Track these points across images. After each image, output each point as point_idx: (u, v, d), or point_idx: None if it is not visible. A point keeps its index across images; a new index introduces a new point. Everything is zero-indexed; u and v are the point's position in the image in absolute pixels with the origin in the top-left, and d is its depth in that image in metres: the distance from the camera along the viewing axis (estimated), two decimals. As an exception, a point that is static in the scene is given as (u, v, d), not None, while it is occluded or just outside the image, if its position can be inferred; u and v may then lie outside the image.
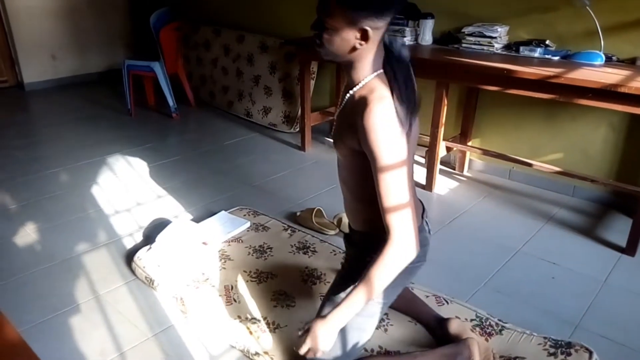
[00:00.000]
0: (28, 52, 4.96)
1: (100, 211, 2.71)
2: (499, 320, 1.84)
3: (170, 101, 4.21)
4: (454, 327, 1.70)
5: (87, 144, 3.67)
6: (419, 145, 3.34)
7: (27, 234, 2.47)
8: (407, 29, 3.06)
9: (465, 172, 3.23)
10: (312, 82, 3.67)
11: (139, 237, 2.45)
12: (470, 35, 2.83)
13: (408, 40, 3.07)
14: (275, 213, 2.62)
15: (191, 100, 4.56)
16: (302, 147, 3.58)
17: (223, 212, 2.52)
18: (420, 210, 1.52)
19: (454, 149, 3.11)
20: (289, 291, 1.97)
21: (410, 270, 1.37)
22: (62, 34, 5.16)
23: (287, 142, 3.75)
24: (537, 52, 2.64)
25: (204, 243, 2.25)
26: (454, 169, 3.26)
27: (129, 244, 2.39)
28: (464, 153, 3.18)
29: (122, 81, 4.28)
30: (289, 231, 2.37)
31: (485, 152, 3.00)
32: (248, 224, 2.42)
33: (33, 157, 3.40)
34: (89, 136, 3.85)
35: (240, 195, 2.88)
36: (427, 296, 1.95)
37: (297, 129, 3.83)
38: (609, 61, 2.49)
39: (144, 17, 4.33)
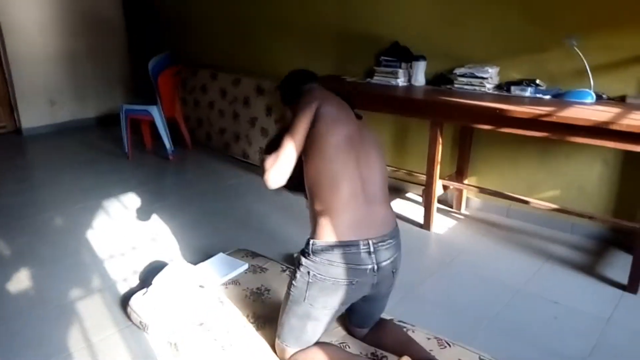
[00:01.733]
0: (27, 97, 5.02)
1: (95, 255, 2.67)
2: (503, 362, 1.79)
3: (167, 144, 4.25)
4: None
5: (83, 188, 3.66)
6: (415, 183, 3.36)
7: (21, 280, 2.43)
8: (400, 70, 3.13)
9: (462, 211, 3.23)
10: (308, 123, 3.70)
11: (134, 281, 2.41)
12: (462, 76, 2.89)
13: (401, 81, 3.14)
14: (274, 254, 2.59)
15: (188, 142, 4.59)
16: (299, 188, 3.58)
17: (221, 254, 2.49)
18: (356, 211, 1.60)
19: (451, 187, 3.12)
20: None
21: (341, 288, 1.56)
22: (60, 79, 5.24)
23: (284, 183, 3.76)
24: (528, 92, 2.70)
25: (200, 286, 2.21)
26: (451, 207, 3.26)
27: (123, 288, 2.35)
28: (460, 191, 3.19)
29: (119, 125, 4.32)
30: (287, 272, 2.34)
31: (482, 190, 3.01)
32: (246, 266, 2.39)
33: (29, 201, 3.39)
34: (86, 180, 3.85)
35: (238, 237, 2.86)
36: (429, 338, 1.91)
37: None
38: (600, 99, 2.54)
39: (142, 62, 4.42)
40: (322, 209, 1.60)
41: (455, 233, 2.95)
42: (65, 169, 4.15)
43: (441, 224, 3.03)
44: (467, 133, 3.06)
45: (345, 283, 1.57)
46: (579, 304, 2.23)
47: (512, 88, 2.75)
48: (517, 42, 2.83)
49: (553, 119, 2.28)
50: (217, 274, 2.31)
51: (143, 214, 3.22)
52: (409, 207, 3.29)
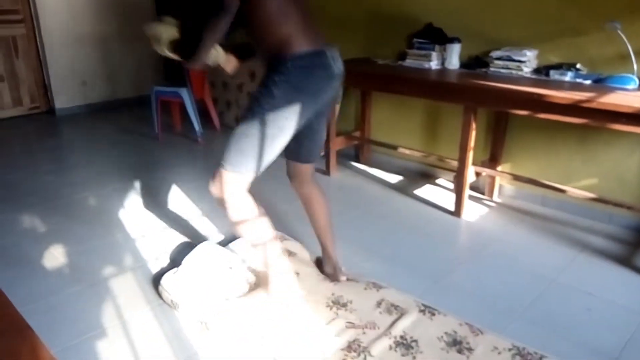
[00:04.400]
0: (60, 78, 5.13)
1: (128, 235, 2.72)
2: (537, 350, 1.76)
3: (197, 126, 4.27)
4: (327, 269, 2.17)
5: (115, 169, 3.73)
6: (446, 169, 3.30)
7: (56, 257, 2.49)
8: (434, 53, 3.06)
9: (495, 198, 3.16)
10: (337, 107, 3.67)
11: (165, 261, 2.45)
12: (499, 59, 2.81)
13: (435, 64, 3.07)
14: (301, 239, 2.59)
15: (216, 124, 4.62)
16: (326, 172, 3.57)
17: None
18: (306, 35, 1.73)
19: (483, 174, 3.05)
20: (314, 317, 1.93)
21: (316, 92, 1.74)
22: (93, 61, 5.33)
23: (312, 167, 3.75)
24: (568, 76, 2.60)
25: (230, 267, 2.23)
26: (484, 195, 3.20)
27: (155, 268, 2.39)
28: (493, 178, 3.12)
29: (149, 107, 4.37)
30: (314, 258, 2.34)
31: (516, 178, 2.94)
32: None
33: (63, 182, 3.47)
34: (118, 161, 3.92)
35: (265, 220, 2.87)
36: (461, 324, 1.88)
37: (322, 153, 3.82)
38: (644, 85, 2.43)
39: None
40: (280, 37, 1.70)
41: (487, 221, 2.89)
42: (98, 149, 4.23)
43: (473, 211, 2.98)
44: (501, 118, 2.98)
45: (320, 86, 1.75)
46: (615, 297, 2.17)
47: (551, 72, 2.66)
48: (556, 25, 2.72)
49: (593, 105, 2.20)
50: (246, 256, 2.32)
51: (173, 195, 3.26)
52: (439, 194, 3.24)
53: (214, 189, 1.84)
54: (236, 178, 1.77)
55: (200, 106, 4.38)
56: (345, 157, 3.83)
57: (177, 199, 3.19)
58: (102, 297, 2.16)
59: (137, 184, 3.42)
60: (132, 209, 3.06)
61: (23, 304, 2.08)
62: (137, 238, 2.69)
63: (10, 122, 4.93)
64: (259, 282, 2.12)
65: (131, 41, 5.55)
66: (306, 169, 2.07)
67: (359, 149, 3.83)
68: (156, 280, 2.24)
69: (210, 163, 4.01)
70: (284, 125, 1.73)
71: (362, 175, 3.60)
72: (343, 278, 2.18)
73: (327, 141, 3.50)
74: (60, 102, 5.19)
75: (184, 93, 4.19)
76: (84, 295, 2.18)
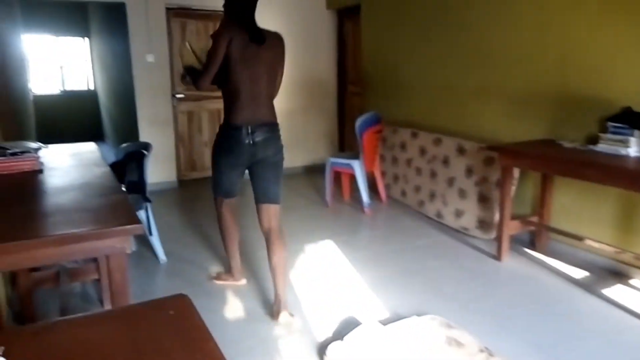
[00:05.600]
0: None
1: (296, 297, 2.87)
2: None
3: (365, 197, 4.43)
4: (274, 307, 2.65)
5: (288, 231, 4.00)
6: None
7: (231, 313, 2.73)
8: (633, 139, 2.76)
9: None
10: (513, 189, 3.49)
11: (330, 330, 2.51)
12: None
13: (634, 151, 2.76)
14: (469, 328, 2.43)
15: (383, 197, 4.73)
16: (497, 257, 3.36)
17: (415, 317, 2.44)
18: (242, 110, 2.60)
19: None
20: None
21: (233, 151, 2.62)
22: (278, 132, 5.98)
23: (480, 249, 3.57)
24: None
25: (390, 347, 2.18)
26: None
27: (320, 335, 2.46)
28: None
29: (322, 174, 4.67)
30: (485, 354, 2.17)
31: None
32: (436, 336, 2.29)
33: (244, 240, 3.83)
34: (291, 223, 4.22)
35: (429, 301, 2.78)
36: None
37: (493, 236, 3.63)
38: None
39: (348, 120, 4.75)
40: (226, 105, 2.65)
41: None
42: (274, 211, 4.62)
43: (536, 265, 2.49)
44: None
45: (234, 149, 2.60)
46: None
47: None
48: None
49: None
50: (408, 339, 2.26)
51: (338, 263, 3.37)
52: (635, 297, 2.79)
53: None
54: (220, 195, 2.87)
55: (369, 178, 4.55)
56: (519, 243, 3.57)
57: (343, 268, 3.29)
58: (271, 356, 2.28)
59: (307, 247, 3.63)
60: (301, 271, 3.23)
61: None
62: (303, 302, 2.82)
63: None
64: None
65: (313, 115, 6.12)
66: (264, 212, 2.77)
67: (536, 236, 3.54)
68: (321, 348, 2.29)
69: (375, 233, 4.09)
70: (227, 163, 2.69)
71: (538, 264, 3.30)
72: (282, 315, 2.56)
73: (500, 224, 3.32)
74: (248, 166, 5.88)
75: (356, 165, 4.42)
76: (255, 350, 2.33)
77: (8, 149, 2.35)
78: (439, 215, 4.17)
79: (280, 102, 5.91)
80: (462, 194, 3.95)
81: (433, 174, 4.28)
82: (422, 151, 4.43)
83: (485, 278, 3.10)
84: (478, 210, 3.80)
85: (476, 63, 4.02)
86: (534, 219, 3.48)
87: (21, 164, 2.34)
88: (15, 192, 2.02)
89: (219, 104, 3.35)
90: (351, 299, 2.86)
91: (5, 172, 2.29)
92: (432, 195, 4.27)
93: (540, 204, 3.45)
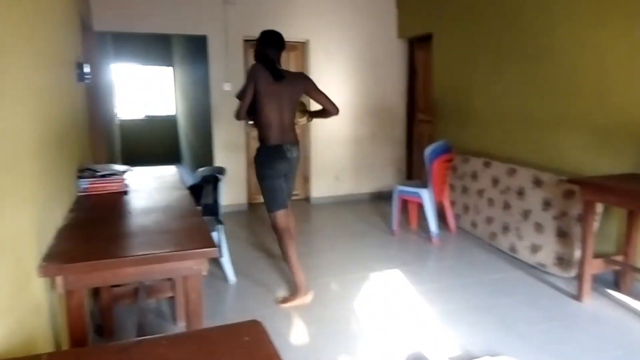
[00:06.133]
0: (318, 172, 5.94)
1: (361, 327, 2.84)
2: None
3: (433, 227, 4.33)
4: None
5: (355, 257, 4.01)
6: None
7: (300, 336, 2.74)
8: None
9: None
10: (596, 225, 3.27)
11: (394, 363, 2.45)
12: None
13: None
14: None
15: (452, 227, 4.60)
16: (577, 297, 3.14)
17: (487, 357, 2.33)
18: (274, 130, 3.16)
19: None
20: None
21: (276, 164, 3.15)
22: (345, 159, 6.04)
23: (558, 288, 3.36)
24: None
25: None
26: None
27: (385, 368, 2.41)
28: None
29: (388, 202, 4.63)
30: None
31: None
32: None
33: (310, 264, 3.86)
34: (356, 250, 4.21)
35: (502, 340, 2.65)
36: None
37: (573, 275, 3.41)
38: None
39: (417, 148, 4.70)
40: (261, 131, 3.18)
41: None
42: (341, 237, 4.64)
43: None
44: None
45: (278, 162, 3.13)
46: None
47: None
48: None
49: None
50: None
51: (406, 294, 3.30)
52: None
53: (272, 221, 3.25)
54: (277, 210, 3.22)
55: (437, 207, 4.45)
56: (601, 283, 3.33)
57: (410, 299, 3.21)
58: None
59: (372, 276, 3.59)
60: (366, 300, 3.19)
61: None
62: (370, 332, 2.78)
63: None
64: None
65: (380, 143, 6.12)
66: (285, 213, 3.23)
67: (620, 276, 3.28)
68: (386, 382, 2.24)
69: (444, 265, 3.97)
70: (272, 176, 3.17)
71: (623, 307, 3.05)
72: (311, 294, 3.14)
73: (582, 262, 3.11)
74: (316, 192, 5.96)
75: (425, 194, 4.34)
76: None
77: (98, 171, 2.55)
78: (512, 249, 3.99)
79: (347, 129, 6.07)
80: (538, 228, 3.76)
81: (507, 206, 4.11)
82: (495, 181, 4.28)
83: (564, 319, 2.91)
84: (556, 245, 3.59)
85: (557, 92, 3.86)
86: (619, 257, 3.23)
87: (109, 186, 2.52)
88: (104, 212, 2.18)
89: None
90: (419, 332, 2.78)
91: (95, 192, 2.48)
92: (506, 228, 4.09)
93: (626, 242, 3.21)
